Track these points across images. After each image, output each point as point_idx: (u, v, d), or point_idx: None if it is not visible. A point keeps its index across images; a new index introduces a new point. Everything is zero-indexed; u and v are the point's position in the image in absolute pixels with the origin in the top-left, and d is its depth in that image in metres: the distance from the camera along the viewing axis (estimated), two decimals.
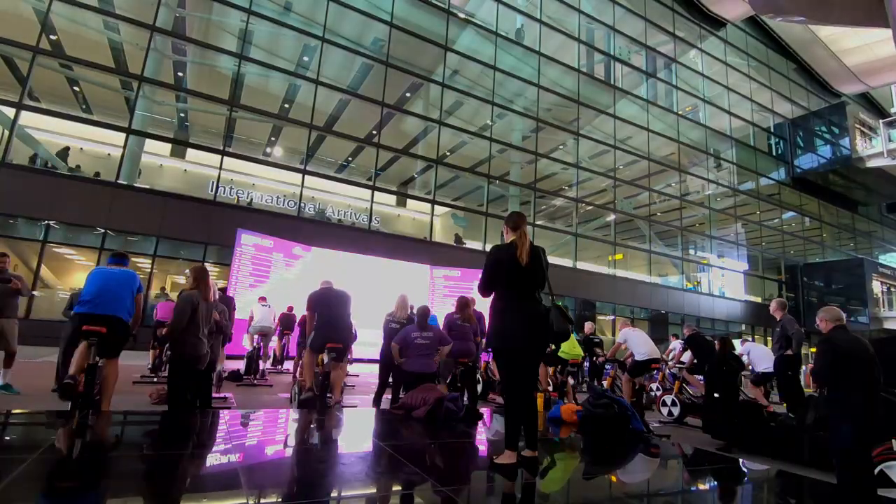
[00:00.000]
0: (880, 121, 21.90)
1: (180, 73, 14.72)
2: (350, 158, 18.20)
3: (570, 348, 6.63)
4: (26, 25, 11.57)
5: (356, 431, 4.04)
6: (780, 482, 3.45)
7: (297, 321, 8.61)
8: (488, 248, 16.77)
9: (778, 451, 4.53)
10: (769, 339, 20.98)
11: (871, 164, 21.44)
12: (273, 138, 17.34)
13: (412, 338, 4.84)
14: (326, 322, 4.91)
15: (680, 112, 21.30)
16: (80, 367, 3.65)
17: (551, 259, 16.92)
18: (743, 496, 3.06)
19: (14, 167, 10.53)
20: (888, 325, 21.64)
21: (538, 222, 18.17)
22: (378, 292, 11.71)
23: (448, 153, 17.72)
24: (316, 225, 14.31)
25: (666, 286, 20.31)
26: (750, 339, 13.02)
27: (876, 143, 21.57)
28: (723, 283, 21.52)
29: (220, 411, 4.27)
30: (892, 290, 22.81)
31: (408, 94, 17.06)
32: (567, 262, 18.33)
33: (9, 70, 12.67)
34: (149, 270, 11.72)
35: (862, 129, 22.24)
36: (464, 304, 5.81)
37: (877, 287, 21.98)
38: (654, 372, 7.93)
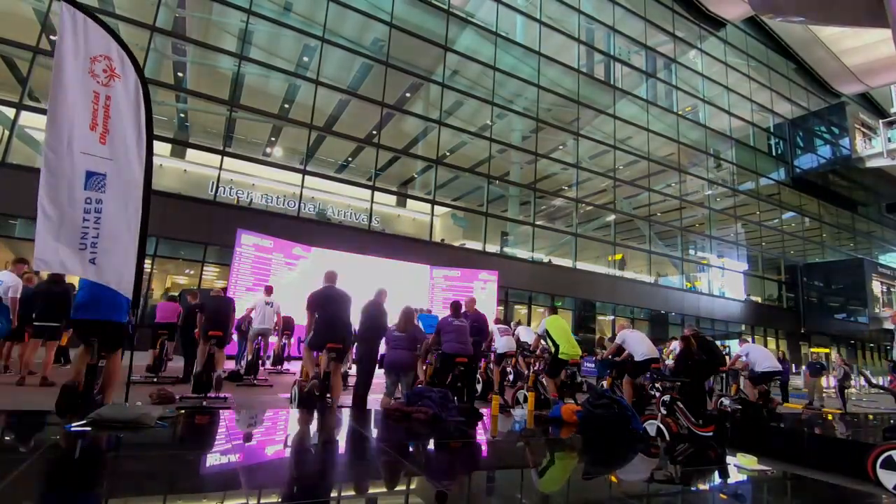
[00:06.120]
0: (880, 121, 21.87)
1: (180, 74, 14.73)
2: (350, 158, 18.21)
3: (570, 348, 6.62)
4: (26, 25, 11.58)
5: (355, 432, 4.04)
6: (780, 482, 3.45)
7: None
8: (489, 248, 16.78)
9: (775, 451, 4.55)
10: (769, 339, 21.05)
11: (871, 164, 21.46)
12: (273, 138, 17.33)
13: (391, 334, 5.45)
14: (326, 322, 4.89)
15: (680, 112, 21.29)
16: (79, 371, 3.67)
17: (551, 259, 16.80)
18: (743, 496, 3.06)
19: (14, 167, 10.55)
20: (888, 326, 21.63)
21: (538, 222, 18.17)
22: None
23: (448, 153, 17.74)
24: (316, 225, 14.32)
25: (666, 286, 20.35)
26: (750, 339, 13.08)
27: (876, 144, 21.55)
28: (722, 283, 21.52)
29: (220, 411, 4.27)
30: (892, 290, 22.85)
31: (408, 95, 17.06)
32: (567, 263, 18.34)
33: (9, 70, 12.68)
34: (149, 271, 11.72)
35: (862, 129, 22.25)
36: (456, 305, 5.93)
37: (876, 287, 22.06)
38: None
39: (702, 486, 3.33)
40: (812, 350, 19.19)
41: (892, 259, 26.44)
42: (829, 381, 15.91)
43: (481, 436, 4.04)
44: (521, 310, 17.46)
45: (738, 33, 23.41)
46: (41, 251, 3.19)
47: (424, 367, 6.86)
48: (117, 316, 3.83)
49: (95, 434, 2.90)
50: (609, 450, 3.78)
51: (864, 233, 26.26)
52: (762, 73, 23.99)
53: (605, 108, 19.67)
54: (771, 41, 24.35)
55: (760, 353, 6.98)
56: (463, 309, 6.60)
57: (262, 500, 2.12)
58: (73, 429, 2.86)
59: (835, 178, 23.56)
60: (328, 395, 4.96)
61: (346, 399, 5.65)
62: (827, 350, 20.54)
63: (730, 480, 3.31)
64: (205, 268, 12.86)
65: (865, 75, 22.96)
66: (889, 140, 20.44)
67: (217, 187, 13.22)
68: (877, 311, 21.58)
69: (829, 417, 6.84)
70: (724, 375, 7.34)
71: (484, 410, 4.86)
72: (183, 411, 3.99)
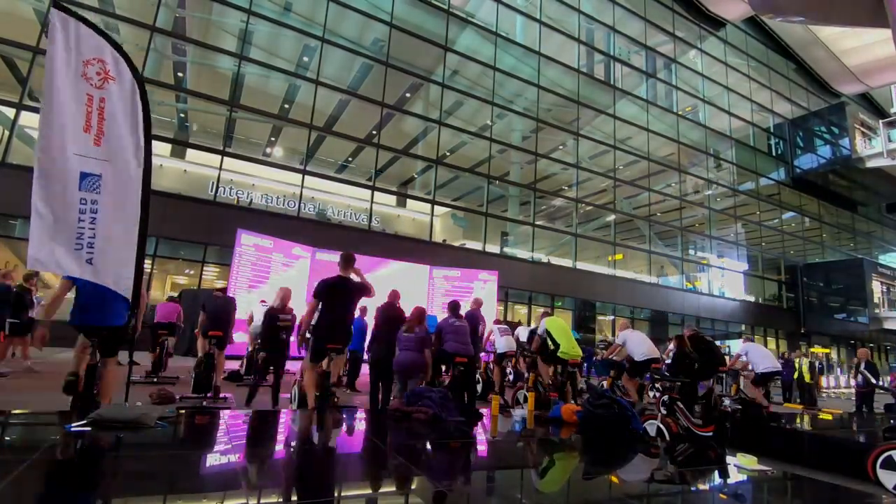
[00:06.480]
0: (880, 121, 21.86)
1: (180, 74, 14.77)
2: (350, 158, 18.24)
3: (570, 348, 6.62)
4: (26, 25, 11.57)
5: (356, 431, 4.05)
6: (779, 483, 3.46)
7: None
8: (488, 248, 16.77)
9: (775, 451, 4.57)
10: (769, 339, 21.05)
11: (871, 164, 21.48)
12: (273, 138, 17.35)
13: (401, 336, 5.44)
14: (329, 323, 4.79)
15: (680, 112, 21.32)
16: (80, 363, 3.74)
17: (551, 259, 16.85)
18: (743, 496, 3.07)
19: (14, 167, 10.56)
20: (888, 326, 21.77)
21: (538, 222, 18.17)
22: (378, 293, 11.67)
23: (448, 153, 17.74)
24: (316, 225, 14.33)
25: (666, 286, 20.42)
26: (751, 338, 13.15)
27: (876, 144, 21.55)
28: (722, 283, 21.59)
29: (220, 411, 4.28)
30: (892, 290, 22.83)
31: (407, 95, 17.07)
32: (567, 263, 18.34)
33: (9, 70, 12.68)
34: (148, 271, 11.74)
35: (862, 129, 22.27)
36: (454, 306, 5.94)
37: (877, 287, 22.06)
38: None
39: (702, 487, 3.33)
40: (810, 350, 19.21)
41: (892, 259, 26.40)
42: (828, 382, 15.91)
43: (481, 436, 4.05)
44: (521, 310, 17.47)
45: (738, 33, 23.40)
46: (36, 250, 3.23)
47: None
48: (118, 320, 3.85)
49: (95, 434, 2.90)
50: (609, 450, 3.78)
51: (864, 233, 26.29)
52: (762, 73, 23.99)
53: (605, 108, 19.71)
54: (771, 41, 24.32)
55: (760, 354, 6.96)
56: (467, 308, 6.63)
57: (261, 500, 2.12)
58: (72, 429, 2.86)
59: (835, 178, 23.62)
60: (333, 395, 4.98)
61: (346, 398, 5.67)
62: (827, 350, 20.52)
63: (730, 480, 3.31)
64: (205, 268, 12.91)
65: (865, 75, 22.91)
66: (889, 140, 20.44)
67: (217, 187, 13.25)
68: (877, 311, 21.51)
69: (829, 417, 6.88)
70: (723, 375, 7.34)
71: (484, 410, 4.86)
72: (183, 411, 3.99)
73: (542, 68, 18.51)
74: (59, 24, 3.28)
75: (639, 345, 6.86)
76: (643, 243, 20.46)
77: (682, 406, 5.13)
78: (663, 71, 21.77)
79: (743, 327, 21.30)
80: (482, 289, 12.80)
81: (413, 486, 2.52)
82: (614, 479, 3.18)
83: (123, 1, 13.11)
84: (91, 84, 3.35)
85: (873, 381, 8.25)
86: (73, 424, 2.90)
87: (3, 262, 10.81)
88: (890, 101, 25.23)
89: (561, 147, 19.57)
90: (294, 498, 2.19)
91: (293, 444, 3.45)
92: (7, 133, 11.06)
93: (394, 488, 2.52)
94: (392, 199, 18.66)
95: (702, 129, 21.82)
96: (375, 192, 15.56)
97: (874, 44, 20.29)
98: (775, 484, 3.37)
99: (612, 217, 19.86)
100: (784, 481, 3.47)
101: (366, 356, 7.68)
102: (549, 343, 6.60)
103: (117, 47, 3.46)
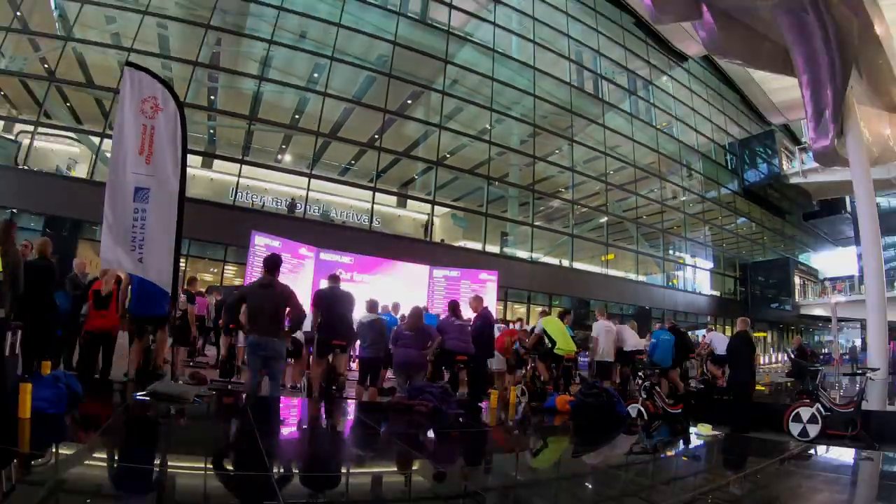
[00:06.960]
0: (797, 147, 26.71)
1: (212, 97, 15.92)
2: (353, 161, 18.65)
3: (566, 344, 7.14)
4: (111, 71, 13.40)
5: (361, 420, 4.52)
6: (725, 442, 4.21)
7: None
8: (488, 248, 17.22)
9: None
10: (727, 328, 23.11)
11: (792, 180, 26.40)
12: (284, 146, 17.96)
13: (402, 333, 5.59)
14: (330, 322, 5.25)
15: (658, 126, 23.26)
16: (138, 355, 4.84)
17: (549, 259, 17.40)
18: (699, 456, 3.68)
19: (99, 184, 11.36)
20: (804, 311, 26.13)
21: (537, 223, 18.72)
22: (379, 292, 12.06)
23: (448, 155, 18.16)
24: (320, 226, 14.85)
25: (651, 284, 21.82)
26: (713, 328, 14.60)
27: (794, 165, 26.43)
28: (695, 279, 24.20)
29: (242, 395, 4.84)
30: (807, 283, 27.70)
31: (409, 101, 17.54)
32: (564, 262, 18.91)
33: (97, 107, 14.48)
34: (183, 269, 12.45)
35: (786, 152, 27.24)
36: (454, 305, 6.25)
37: (797, 281, 26.68)
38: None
39: (669, 453, 3.96)
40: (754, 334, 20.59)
41: (806, 258, 31.16)
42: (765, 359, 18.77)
43: (479, 426, 4.54)
44: (520, 308, 17.86)
45: (697, 66, 26.43)
46: (105, 252, 4.04)
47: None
48: (160, 310, 4.63)
49: (153, 403, 3.56)
50: (597, 431, 4.37)
51: (790, 236, 30.52)
52: (717, 100, 27.22)
53: (595, 118, 20.65)
54: (721, 75, 27.39)
55: (720, 339, 7.70)
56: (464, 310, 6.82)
57: (274, 470, 2.51)
58: (137, 397, 3.57)
59: (770, 191, 28.09)
60: (333, 387, 5.50)
61: (350, 391, 6.15)
62: (764, 334, 25.05)
63: (690, 446, 3.98)
64: (226, 266, 14.02)
65: (786, 110, 27.10)
66: (802, 163, 25.38)
67: (236, 193, 14.19)
68: (797, 300, 26.05)
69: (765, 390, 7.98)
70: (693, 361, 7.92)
71: (483, 404, 5.36)
72: (213, 392, 4.60)
73: (538, 80, 19.15)
74: (128, 76, 4.16)
75: (628, 338, 7.48)
76: (631, 244, 21.66)
77: (658, 390, 5.70)
78: (642, 90, 23.63)
79: (709, 318, 23.39)
80: (482, 289, 13.10)
81: (412, 465, 2.91)
82: (600, 455, 3.76)
83: (176, 43, 14.94)
84: (146, 116, 4.13)
85: (792, 356, 9.11)
86: (138, 394, 3.59)
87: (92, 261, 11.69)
88: (801, 132, 28.64)
89: (557, 151, 20.17)
90: (309, 471, 2.60)
91: (306, 428, 3.97)
92: (94, 156, 12.99)
93: (395, 466, 2.92)
94: (392, 199, 18.94)
95: (676, 143, 23.82)
96: (377, 193, 16.05)
97: (791, 86, 21.97)
98: (723, 444, 4.07)
99: (604, 219, 20.67)
100: (728, 441, 4.15)
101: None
102: (547, 341, 7.09)
103: (165, 84, 4.25)
